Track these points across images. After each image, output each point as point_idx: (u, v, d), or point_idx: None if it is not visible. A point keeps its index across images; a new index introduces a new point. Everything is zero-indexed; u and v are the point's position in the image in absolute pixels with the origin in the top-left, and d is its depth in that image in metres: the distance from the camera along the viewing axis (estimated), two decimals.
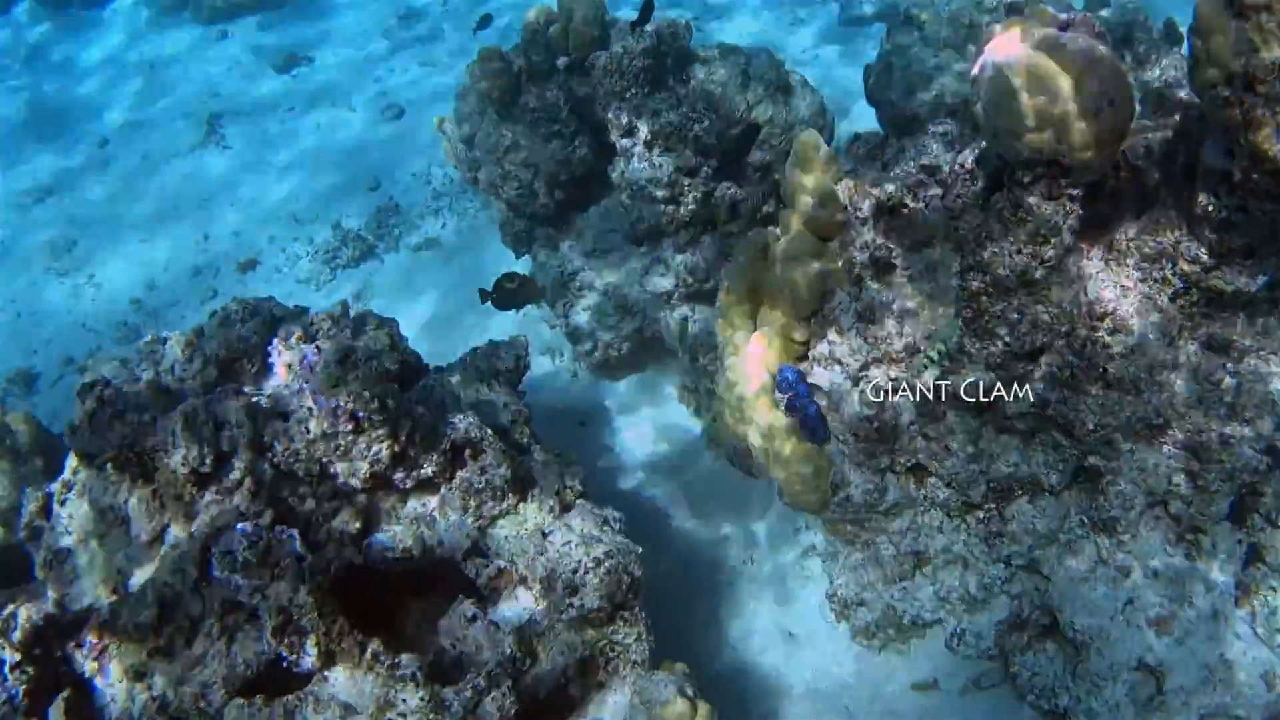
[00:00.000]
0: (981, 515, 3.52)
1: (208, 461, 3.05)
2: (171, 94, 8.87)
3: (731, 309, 3.65)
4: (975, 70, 2.95)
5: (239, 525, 2.88)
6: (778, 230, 3.64)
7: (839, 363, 3.32)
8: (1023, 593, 3.53)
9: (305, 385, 3.16)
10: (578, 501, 3.55)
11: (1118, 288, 3.12)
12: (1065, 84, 2.69)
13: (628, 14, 5.41)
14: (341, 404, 3.09)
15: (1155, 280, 3.09)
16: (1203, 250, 2.97)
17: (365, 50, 9.20)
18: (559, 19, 5.09)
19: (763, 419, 3.38)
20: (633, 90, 4.99)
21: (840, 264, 3.36)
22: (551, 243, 5.26)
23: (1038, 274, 3.02)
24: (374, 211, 7.22)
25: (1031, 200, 3.01)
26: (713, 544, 4.54)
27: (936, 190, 3.44)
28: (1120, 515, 3.40)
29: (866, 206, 3.36)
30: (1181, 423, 3.20)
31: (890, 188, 3.41)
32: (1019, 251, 3.02)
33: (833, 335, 3.33)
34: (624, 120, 4.88)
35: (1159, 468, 3.32)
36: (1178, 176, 3.07)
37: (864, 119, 6.34)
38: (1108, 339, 3.07)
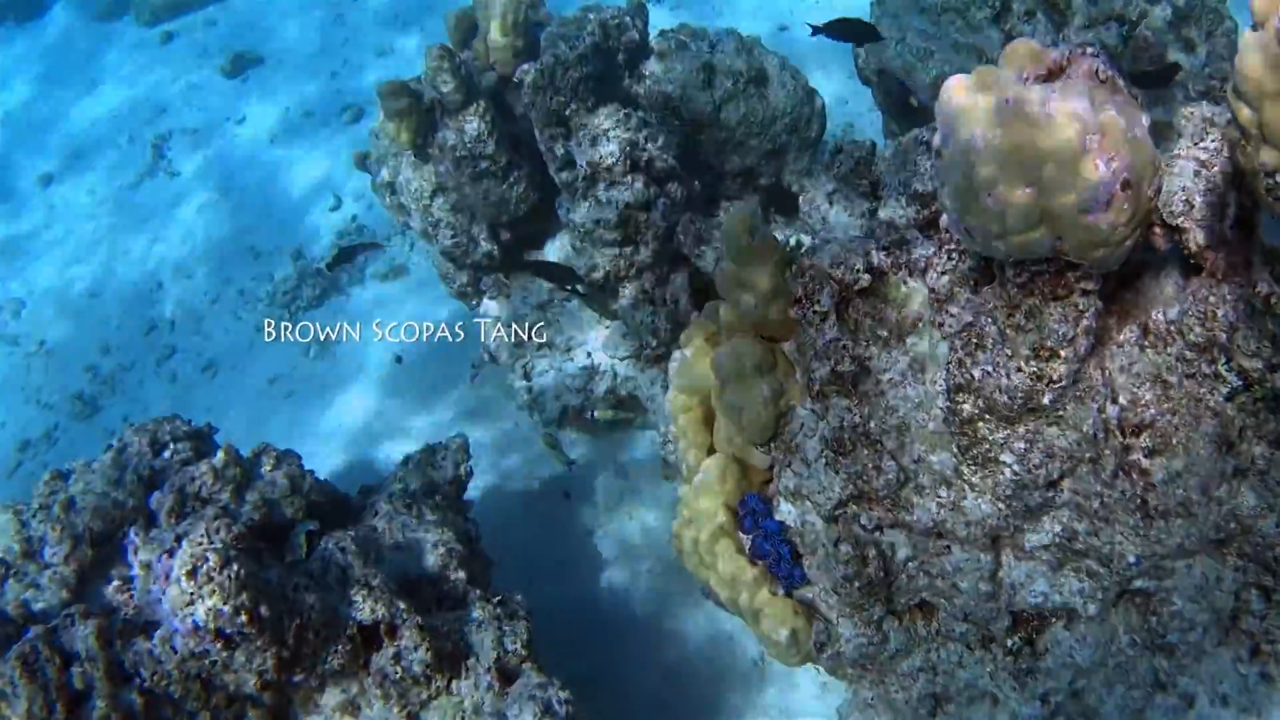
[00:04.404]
0: (1009, 645, 2.89)
1: (58, 709, 2.56)
2: (117, 115, 8.21)
3: (683, 415, 3.01)
4: (935, 141, 2.20)
5: None
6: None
7: (808, 499, 2.68)
8: None
9: (162, 598, 2.63)
10: (522, 667, 3.02)
11: (1156, 385, 2.40)
12: (1059, 170, 1.94)
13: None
14: (202, 623, 2.56)
15: (1205, 375, 2.37)
16: (1265, 343, 2.23)
17: (318, 44, 8.40)
18: (476, 31, 4.35)
19: (724, 566, 2.77)
20: (573, 105, 4.25)
21: (798, 376, 2.69)
22: (502, 290, 4.61)
23: (1045, 399, 2.31)
24: (335, 236, 6.60)
25: (1031, 302, 2.29)
26: (719, 640, 3.98)
27: (924, 250, 2.71)
28: (1179, 640, 2.75)
29: (826, 296, 2.66)
30: (1249, 535, 2.52)
31: (858, 262, 2.69)
32: (1019, 370, 2.31)
33: (798, 465, 2.68)
34: (559, 151, 4.16)
35: (1223, 584, 2.66)
36: (1230, 235, 2.31)
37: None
38: (1145, 463, 2.37)
